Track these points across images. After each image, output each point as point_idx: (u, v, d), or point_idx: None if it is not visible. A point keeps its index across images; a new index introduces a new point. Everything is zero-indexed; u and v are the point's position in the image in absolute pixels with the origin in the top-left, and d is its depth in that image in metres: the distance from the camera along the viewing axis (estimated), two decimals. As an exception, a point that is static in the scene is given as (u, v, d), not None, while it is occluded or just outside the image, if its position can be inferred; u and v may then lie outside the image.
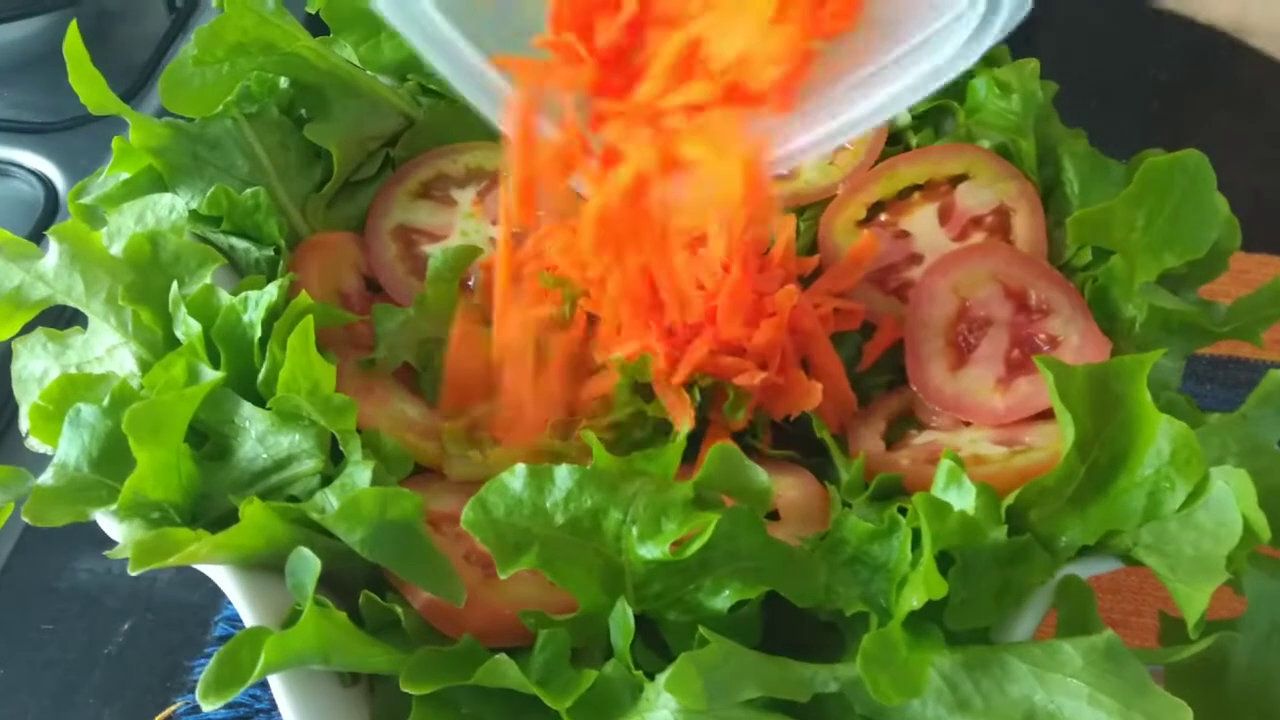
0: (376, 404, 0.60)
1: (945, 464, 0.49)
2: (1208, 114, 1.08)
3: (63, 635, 0.73)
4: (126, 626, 0.73)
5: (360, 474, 0.52)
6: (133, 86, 1.08)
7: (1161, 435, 0.48)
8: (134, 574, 0.46)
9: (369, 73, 0.74)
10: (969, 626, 0.47)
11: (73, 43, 0.62)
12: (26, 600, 0.75)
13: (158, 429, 0.49)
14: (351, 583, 0.51)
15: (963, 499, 0.48)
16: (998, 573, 0.48)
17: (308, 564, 0.47)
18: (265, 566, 0.50)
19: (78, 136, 1.03)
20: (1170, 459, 0.48)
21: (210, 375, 0.53)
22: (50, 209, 0.97)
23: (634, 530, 0.47)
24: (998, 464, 0.54)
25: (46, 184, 0.99)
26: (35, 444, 0.57)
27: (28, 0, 1.12)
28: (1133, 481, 0.49)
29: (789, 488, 0.56)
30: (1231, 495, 0.47)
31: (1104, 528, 0.49)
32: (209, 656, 0.71)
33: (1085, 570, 0.49)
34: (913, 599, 0.45)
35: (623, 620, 0.47)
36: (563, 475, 0.48)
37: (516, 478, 0.48)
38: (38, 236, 0.94)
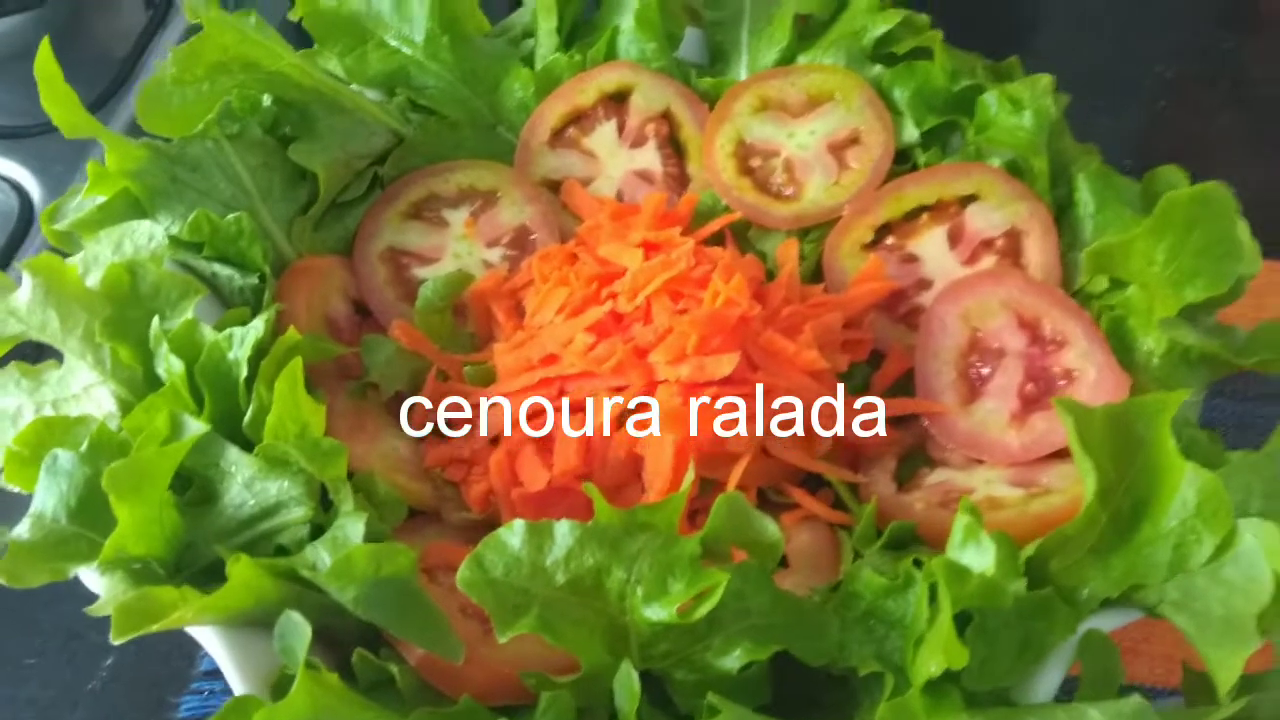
0: (368, 442, 0.57)
1: (962, 520, 0.46)
2: (1214, 113, 1.05)
3: (45, 671, 0.71)
4: (109, 661, 0.71)
5: (353, 527, 0.49)
6: (110, 87, 1.04)
7: (1187, 485, 0.46)
8: (116, 643, 0.44)
9: (355, 87, 0.71)
10: (989, 687, 0.46)
11: (44, 62, 0.59)
12: (7, 635, 0.73)
13: (140, 485, 0.47)
14: (344, 637, 0.49)
15: (981, 558, 0.45)
16: (1018, 628, 0.46)
17: (298, 629, 0.45)
18: (252, 624, 0.48)
19: (53, 141, 0.98)
20: (1196, 510, 0.46)
21: (194, 427, 0.50)
22: (25, 217, 0.94)
23: (639, 590, 0.45)
24: (1014, 509, 0.52)
25: (21, 192, 0.96)
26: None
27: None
28: (1157, 532, 0.47)
29: (798, 533, 0.54)
30: (1261, 550, 0.45)
31: (1128, 580, 0.47)
32: (195, 692, 0.70)
33: (1108, 624, 0.47)
34: (931, 665, 0.43)
35: (628, 684, 0.45)
36: (563, 532, 0.45)
37: (515, 534, 0.45)
38: (13, 247, 0.91)
